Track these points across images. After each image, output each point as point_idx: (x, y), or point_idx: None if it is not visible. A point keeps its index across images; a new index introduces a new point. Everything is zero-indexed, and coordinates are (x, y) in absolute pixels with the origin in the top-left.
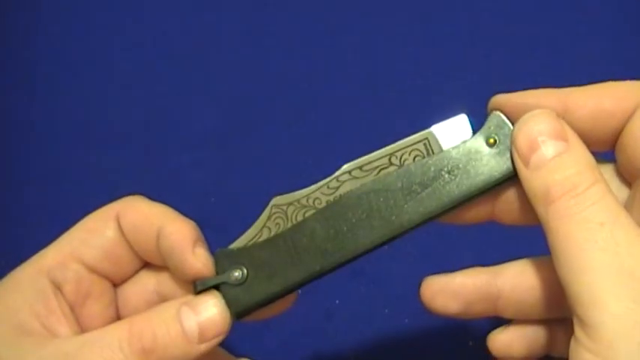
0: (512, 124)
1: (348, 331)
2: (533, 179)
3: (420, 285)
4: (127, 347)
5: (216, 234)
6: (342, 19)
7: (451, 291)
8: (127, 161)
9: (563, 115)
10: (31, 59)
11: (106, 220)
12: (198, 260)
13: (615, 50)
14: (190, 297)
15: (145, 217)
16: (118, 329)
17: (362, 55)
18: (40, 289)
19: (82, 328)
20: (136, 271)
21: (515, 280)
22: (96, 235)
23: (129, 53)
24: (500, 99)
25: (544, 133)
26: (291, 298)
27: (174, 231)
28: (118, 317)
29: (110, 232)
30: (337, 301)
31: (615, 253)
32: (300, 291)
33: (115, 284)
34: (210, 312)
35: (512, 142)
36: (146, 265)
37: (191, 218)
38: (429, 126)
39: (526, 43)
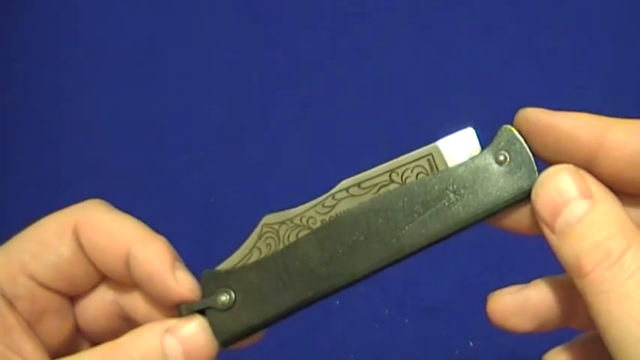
0: (527, 141)
1: (348, 331)
2: (561, 247)
3: (485, 300)
4: None
5: (216, 234)
6: (346, 23)
7: (527, 312)
8: (128, 161)
9: (597, 151)
10: (31, 60)
11: (62, 232)
12: (183, 287)
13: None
14: (172, 322)
15: (109, 236)
16: None
17: (366, 58)
18: None
19: (43, 343)
20: (95, 286)
21: None
22: (49, 250)
23: (129, 54)
24: (529, 114)
25: (565, 194)
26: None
27: (148, 256)
28: (78, 329)
29: (66, 249)
30: (337, 302)
31: None
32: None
33: (72, 298)
34: (196, 342)
35: (533, 207)
36: (105, 277)
37: (191, 218)
38: (434, 140)
39: (540, 54)
